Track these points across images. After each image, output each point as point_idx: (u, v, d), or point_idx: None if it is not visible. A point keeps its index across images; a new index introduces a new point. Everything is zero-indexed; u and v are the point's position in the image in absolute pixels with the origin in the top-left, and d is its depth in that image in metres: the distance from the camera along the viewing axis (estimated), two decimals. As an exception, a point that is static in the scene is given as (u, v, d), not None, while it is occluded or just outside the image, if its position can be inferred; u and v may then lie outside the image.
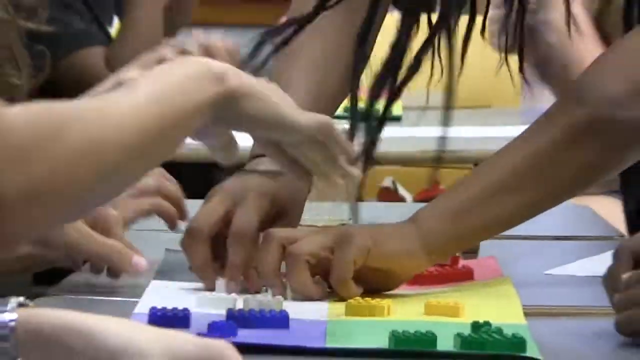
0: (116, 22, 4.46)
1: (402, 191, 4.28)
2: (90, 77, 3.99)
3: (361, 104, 2.59)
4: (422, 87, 3.14)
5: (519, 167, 2.05)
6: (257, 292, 1.99)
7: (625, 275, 1.79)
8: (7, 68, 2.20)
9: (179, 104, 1.61)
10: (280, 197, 2.11)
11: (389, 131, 3.26)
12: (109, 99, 1.61)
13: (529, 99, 4.36)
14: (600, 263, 1.97)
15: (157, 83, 1.63)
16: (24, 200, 1.43)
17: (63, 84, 2.31)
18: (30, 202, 1.44)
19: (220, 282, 1.97)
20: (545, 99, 4.19)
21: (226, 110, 1.70)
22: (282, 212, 2.10)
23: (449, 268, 2.08)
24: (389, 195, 4.25)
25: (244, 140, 1.99)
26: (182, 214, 2.27)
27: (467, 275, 2.08)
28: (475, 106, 4.14)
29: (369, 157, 2.42)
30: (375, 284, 1.94)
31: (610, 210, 3.58)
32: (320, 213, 2.48)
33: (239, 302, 1.83)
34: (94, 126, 1.51)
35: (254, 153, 2.18)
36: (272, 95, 1.76)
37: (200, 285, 2.01)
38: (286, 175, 2.04)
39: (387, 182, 4.24)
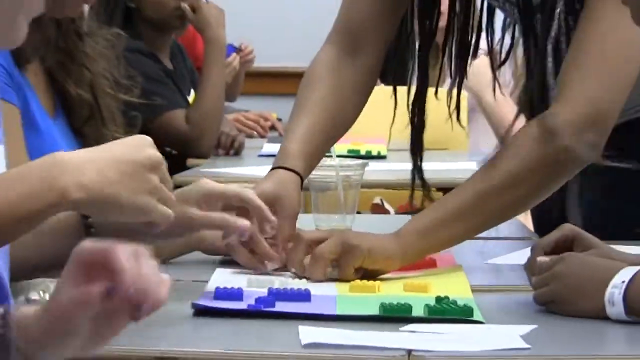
0: (192, 92, 4.37)
1: (387, 206, 4.21)
2: (175, 131, 4.01)
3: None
4: (400, 136, 3.30)
5: (469, 200, 2.09)
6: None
7: (538, 264, 1.87)
8: (111, 126, 2.30)
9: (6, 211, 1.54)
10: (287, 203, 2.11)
11: (378, 165, 3.45)
12: None
13: (472, 144, 4.39)
14: (522, 255, 2.03)
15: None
16: None
17: (155, 137, 2.39)
18: None
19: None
20: (485, 145, 4.28)
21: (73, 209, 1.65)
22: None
23: (421, 260, 2.11)
24: (379, 209, 4.20)
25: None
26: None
27: (432, 264, 2.12)
28: (436, 148, 4.13)
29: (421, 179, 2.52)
30: (369, 272, 2.00)
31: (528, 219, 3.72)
32: (329, 221, 2.44)
33: (276, 283, 1.91)
34: None
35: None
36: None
37: (247, 270, 2.03)
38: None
39: (377, 200, 4.20)
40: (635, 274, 1.75)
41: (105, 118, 2.29)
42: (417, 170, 2.52)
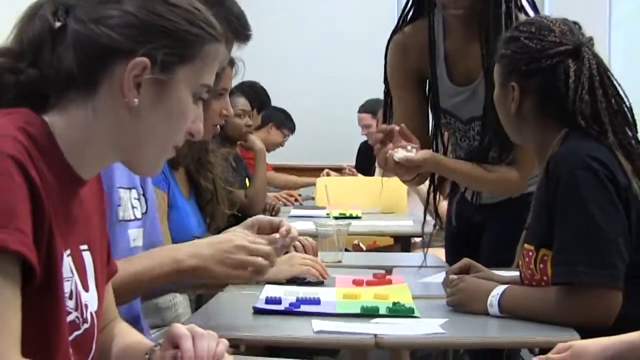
0: (247, 180, 4.12)
1: (362, 245, 4.17)
2: (240, 202, 3.77)
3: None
4: (369, 206, 3.26)
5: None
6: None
7: (448, 282, 1.82)
8: (222, 206, 2.26)
9: (151, 270, 1.53)
10: None
11: (356, 222, 3.42)
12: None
13: (410, 210, 4.35)
14: (441, 277, 1.98)
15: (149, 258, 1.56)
16: None
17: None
18: None
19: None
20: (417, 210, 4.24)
21: (187, 277, 1.56)
22: None
23: (382, 279, 2.04)
24: (357, 247, 4.14)
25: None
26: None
27: (389, 282, 2.02)
28: (389, 212, 4.08)
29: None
30: None
31: (441, 252, 3.60)
32: (329, 255, 2.38)
33: (301, 293, 1.84)
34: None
35: None
36: (210, 266, 1.53)
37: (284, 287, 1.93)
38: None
39: (356, 242, 4.13)
40: (505, 289, 1.70)
41: (219, 201, 2.26)
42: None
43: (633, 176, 1.65)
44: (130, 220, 1.70)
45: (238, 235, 1.55)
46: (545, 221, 1.66)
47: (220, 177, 2.28)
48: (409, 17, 2.23)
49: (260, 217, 1.79)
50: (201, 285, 1.85)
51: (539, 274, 1.69)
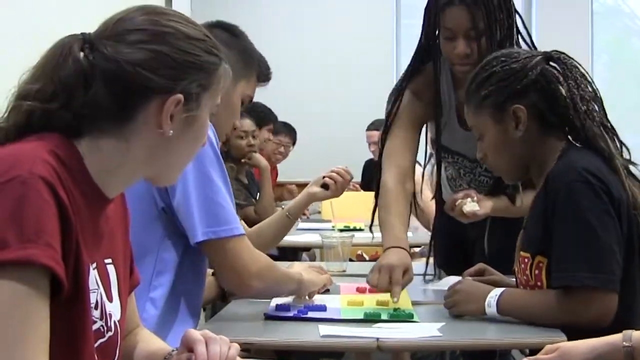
0: (258, 195, 4.14)
1: (365, 256, 4.16)
2: (250, 216, 3.78)
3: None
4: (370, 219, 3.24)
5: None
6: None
7: (447, 290, 1.80)
8: None
9: (282, 285, 1.73)
10: None
11: (360, 234, 3.41)
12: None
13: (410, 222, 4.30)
14: (439, 284, 2.03)
15: (285, 276, 1.76)
16: None
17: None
18: None
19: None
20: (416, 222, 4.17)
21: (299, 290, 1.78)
22: None
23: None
24: (360, 257, 4.13)
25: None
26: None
27: (390, 289, 1.88)
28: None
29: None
30: None
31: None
32: (334, 265, 2.39)
33: (309, 302, 1.85)
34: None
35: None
36: (314, 283, 1.82)
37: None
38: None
39: (359, 252, 4.14)
40: (503, 291, 1.69)
41: None
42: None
43: (624, 188, 1.64)
44: None
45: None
46: (542, 230, 1.65)
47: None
48: (416, 66, 2.23)
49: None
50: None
51: (533, 280, 1.68)
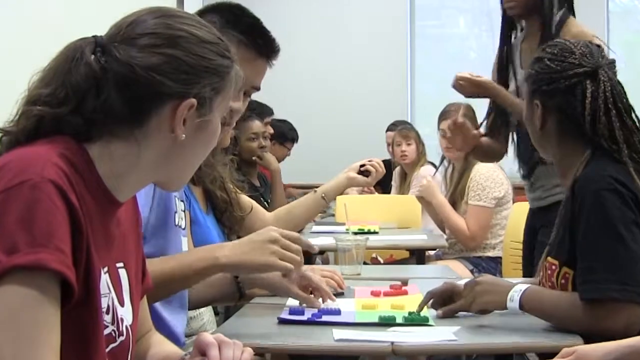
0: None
1: (379, 259, 4.12)
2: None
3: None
4: (385, 222, 3.26)
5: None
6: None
7: (465, 283, 1.75)
8: (238, 211, 2.21)
9: (186, 267, 1.53)
10: None
11: (374, 237, 3.41)
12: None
13: (423, 225, 4.25)
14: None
15: (187, 254, 1.60)
16: None
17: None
18: None
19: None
20: (431, 225, 4.11)
21: (223, 271, 1.60)
22: None
23: (399, 290, 2.02)
24: (375, 260, 4.10)
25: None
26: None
27: (405, 293, 2.02)
28: (404, 227, 4.11)
29: None
30: None
31: (455, 266, 3.54)
32: (349, 269, 2.37)
33: (323, 306, 1.83)
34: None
35: None
36: (248, 259, 1.54)
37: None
38: None
39: (374, 255, 4.08)
40: (528, 287, 1.66)
41: (234, 206, 2.23)
42: None
43: None
44: (182, 228, 1.71)
45: (271, 229, 1.58)
46: (569, 240, 1.64)
47: (230, 183, 2.25)
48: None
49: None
50: (246, 285, 1.85)
51: (559, 288, 1.67)
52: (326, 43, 6.52)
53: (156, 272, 1.37)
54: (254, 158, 4.04)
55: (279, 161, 5.31)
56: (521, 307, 1.64)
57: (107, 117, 1.05)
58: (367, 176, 2.38)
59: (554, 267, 1.69)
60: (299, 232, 4.01)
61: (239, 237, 1.74)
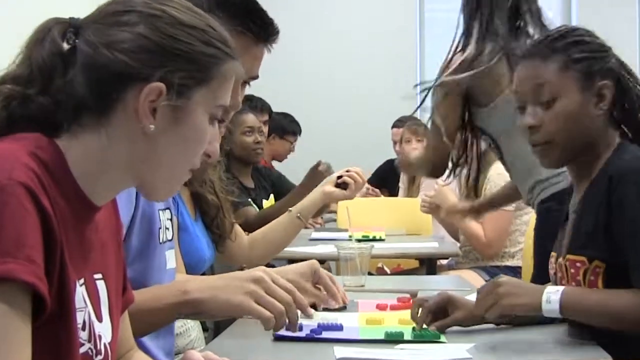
0: (271, 196, 4.19)
1: (386, 268, 4.17)
2: (250, 218, 3.68)
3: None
4: (392, 228, 3.29)
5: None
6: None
7: (479, 288, 1.74)
8: (229, 217, 2.24)
9: (150, 304, 1.45)
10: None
11: (380, 244, 3.42)
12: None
13: (434, 231, 4.31)
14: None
15: (155, 289, 1.52)
16: None
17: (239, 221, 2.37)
18: None
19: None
20: (442, 231, 4.16)
21: (193, 309, 1.46)
22: None
23: (407, 303, 2.02)
24: (381, 270, 4.14)
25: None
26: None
27: None
28: (413, 233, 4.15)
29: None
30: None
31: (469, 276, 3.56)
32: (352, 280, 2.38)
33: (322, 320, 1.81)
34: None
35: None
36: (220, 296, 1.42)
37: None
38: None
39: (380, 265, 4.13)
40: (565, 288, 1.64)
41: (225, 213, 2.23)
42: None
43: None
44: (166, 242, 1.70)
45: (261, 269, 1.45)
46: (603, 232, 1.65)
47: (221, 187, 2.24)
48: None
49: (318, 266, 1.81)
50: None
51: (586, 286, 1.67)
52: (332, 32, 6.55)
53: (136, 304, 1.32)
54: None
55: (282, 157, 5.30)
56: (562, 309, 1.62)
57: (73, 102, 1.06)
58: (345, 189, 2.36)
59: (578, 264, 1.69)
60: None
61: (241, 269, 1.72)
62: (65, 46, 1.08)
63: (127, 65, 1.06)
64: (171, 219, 1.75)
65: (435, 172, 2.76)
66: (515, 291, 1.63)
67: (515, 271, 3.78)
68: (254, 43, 1.76)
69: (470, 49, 2.54)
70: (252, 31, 1.75)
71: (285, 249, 2.50)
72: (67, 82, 1.07)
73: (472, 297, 1.90)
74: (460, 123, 2.61)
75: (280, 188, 4.28)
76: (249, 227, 2.49)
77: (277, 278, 1.42)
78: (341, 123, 6.37)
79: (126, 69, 1.06)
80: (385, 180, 5.54)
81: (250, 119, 4.00)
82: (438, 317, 1.77)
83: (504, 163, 2.69)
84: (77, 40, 1.08)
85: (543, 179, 2.53)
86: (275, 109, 4.80)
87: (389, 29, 6.47)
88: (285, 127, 5.22)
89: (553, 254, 1.81)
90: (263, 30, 1.77)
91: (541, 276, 2.00)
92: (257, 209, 3.97)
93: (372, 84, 6.39)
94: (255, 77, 1.81)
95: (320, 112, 6.27)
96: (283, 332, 1.70)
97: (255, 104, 4.35)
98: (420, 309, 1.79)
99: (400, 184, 5.25)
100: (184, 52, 1.09)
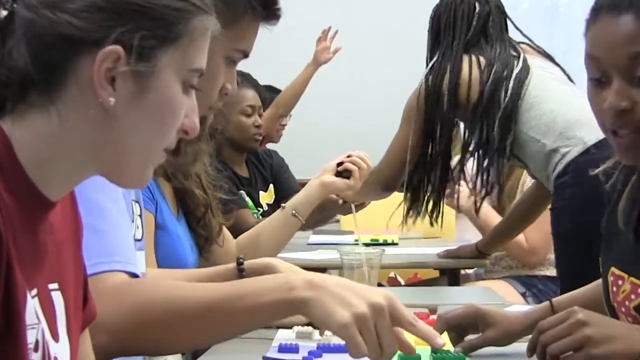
0: (271, 187, 4.17)
1: (399, 279, 4.20)
2: (245, 224, 3.41)
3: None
4: (406, 230, 3.30)
5: None
6: None
7: (541, 323, 1.60)
8: (218, 217, 2.24)
9: (248, 300, 1.38)
10: None
11: (393, 250, 3.44)
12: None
13: (460, 233, 4.31)
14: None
15: (241, 284, 1.45)
16: None
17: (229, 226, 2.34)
18: None
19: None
20: (470, 235, 4.16)
21: (293, 311, 1.38)
22: None
23: (425, 320, 1.82)
24: (393, 281, 4.16)
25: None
26: None
27: (432, 323, 1.86)
28: (433, 237, 4.10)
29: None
30: None
31: (501, 288, 3.58)
32: None
33: (323, 341, 1.84)
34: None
35: None
36: (327, 303, 1.34)
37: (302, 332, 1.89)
38: None
39: (392, 275, 4.15)
40: None
41: (214, 212, 2.22)
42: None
43: None
44: (137, 240, 1.70)
45: (384, 294, 1.36)
46: None
47: (209, 181, 2.23)
48: None
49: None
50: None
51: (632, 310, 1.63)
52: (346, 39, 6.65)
53: (187, 300, 1.33)
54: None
55: (273, 138, 5.25)
56: None
57: (14, 75, 1.06)
58: (347, 177, 2.31)
59: (620, 282, 1.66)
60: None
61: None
62: (2, 12, 1.07)
63: (74, 28, 1.06)
64: (141, 215, 1.75)
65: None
66: (608, 333, 1.49)
67: (556, 282, 3.77)
68: (242, 14, 1.79)
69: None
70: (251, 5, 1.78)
71: (279, 256, 2.51)
72: (5, 55, 1.06)
73: (513, 308, 1.91)
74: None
75: (279, 181, 4.26)
76: (238, 233, 2.47)
77: (399, 310, 1.36)
78: (353, 103, 6.42)
79: (74, 31, 1.06)
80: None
81: (251, 95, 3.96)
82: (464, 335, 1.76)
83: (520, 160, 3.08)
84: (15, 5, 1.07)
85: (552, 149, 2.90)
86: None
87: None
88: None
89: (615, 270, 1.70)
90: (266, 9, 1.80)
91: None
92: (254, 207, 3.95)
93: (376, 80, 6.46)
94: (246, 55, 1.82)
95: (332, 98, 6.31)
96: (275, 354, 1.75)
97: (250, 81, 4.29)
98: (441, 324, 1.77)
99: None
100: (143, 6, 1.09)
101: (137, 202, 1.74)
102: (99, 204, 1.53)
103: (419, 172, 3.15)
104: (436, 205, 3.20)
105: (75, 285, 1.20)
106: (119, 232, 1.54)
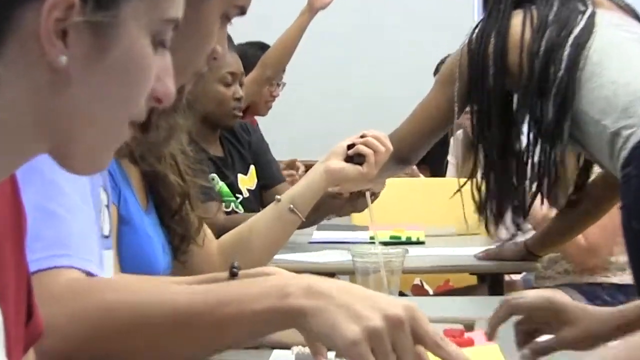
0: (252, 168, 4.24)
1: (426, 287, 4.22)
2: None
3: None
4: (437, 224, 3.32)
5: None
6: None
7: None
8: (197, 210, 2.23)
9: (235, 307, 1.38)
10: None
11: (417, 251, 3.44)
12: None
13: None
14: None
15: (224, 288, 1.46)
16: None
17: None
18: None
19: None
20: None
21: (287, 322, 1.39)
22: None
23: (460, 338, 2.05)
24: (419, 289, 4.18)
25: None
26: None
27: (469, 342, 2.04)
28: (469, 233, 4.09)
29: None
30: None
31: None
32: None
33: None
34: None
35: None
36: (334, 314, 1.34)
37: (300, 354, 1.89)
38: None
39: (417, 281, 4.16)
40: None
41: (193, 202, 2.22)
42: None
43: None
44: (105, 237, 1.72)
45: (405, 305, 1.37)
46: None
47: (187, 163, 2.23)
48: None
49: None
50: None
51: None
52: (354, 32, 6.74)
53: (159, 306, 1.36)
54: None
55: (258, 109, 5.27)
56: None
57: None
58: (360, 163, 2.31)
59: None
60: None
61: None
62: None
63: None
64: (108, 206, 1.76)
65: None
66: None
67: (625, 291, 3.78)
68: None
69: None
70: None
71: (274, 257, 2.51)
72: None
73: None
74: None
75: (257, 159, 4.30)
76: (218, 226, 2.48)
77: (422, 325, 1.36)
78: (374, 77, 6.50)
79: None
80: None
81: (233, 61, 3.98)
82: (535, 335, 1.76)
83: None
84: None
85: (614, 131, 2.87)
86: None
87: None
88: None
89: None
90: None
91: None
92: (230, 194, 3.99)
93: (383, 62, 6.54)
94: (243, 11, 1.82)
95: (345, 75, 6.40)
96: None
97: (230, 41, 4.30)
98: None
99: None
100: None
101: (105, 190, 1.75)
102: (57, 183, 1.53)
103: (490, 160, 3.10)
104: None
105: (16, 297, 1.20)
106: (78, 220, 1.54)
